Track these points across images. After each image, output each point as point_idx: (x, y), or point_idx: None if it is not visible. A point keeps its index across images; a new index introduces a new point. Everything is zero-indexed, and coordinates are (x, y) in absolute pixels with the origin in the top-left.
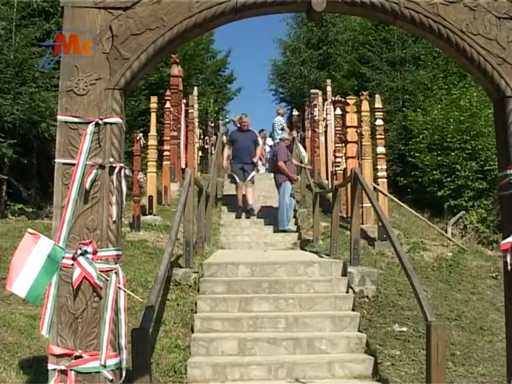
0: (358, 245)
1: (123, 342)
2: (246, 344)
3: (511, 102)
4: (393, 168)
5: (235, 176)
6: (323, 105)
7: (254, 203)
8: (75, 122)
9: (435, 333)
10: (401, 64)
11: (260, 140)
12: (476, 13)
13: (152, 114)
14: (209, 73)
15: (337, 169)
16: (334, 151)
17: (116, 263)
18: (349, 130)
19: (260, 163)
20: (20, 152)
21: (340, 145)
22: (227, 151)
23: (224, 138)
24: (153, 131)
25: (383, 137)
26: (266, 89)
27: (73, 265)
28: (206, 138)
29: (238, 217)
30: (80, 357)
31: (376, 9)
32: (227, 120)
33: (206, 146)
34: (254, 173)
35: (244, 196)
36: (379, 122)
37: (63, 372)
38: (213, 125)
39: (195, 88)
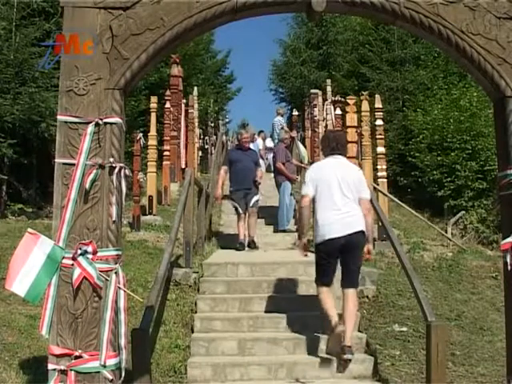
0: None
1: (123, 342)
2: (245, 344)
3: (511, 102)
4: (393, 168)
5: (237, 206)
6: (323, 105)
7: (255, 235)
8: (75, 122)
9: (435, 333)
10: (401, 64)
11: (260, 140)
12: (476, 13)
13: (152, 113)
14: (209, 73)
15: None
16: None
17: (116, 263)
18: (349, 129)
19: (261, 162)
20: (20, 152)
21: None
22: (223, 174)
23: (224, 137)
24: (153, 131)
25: (383, 137)
26: (266, 89)
27: (73, 265)
28: (206, 137)
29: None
30: (80, 357)
31: (376, 9)
32: (227, 120)
33: (206, 146)
34: (257, 197)
35: (245, 228)
36: (379, 122)
37: (63, 372)
38: (213, 125)
39: (195, 88)
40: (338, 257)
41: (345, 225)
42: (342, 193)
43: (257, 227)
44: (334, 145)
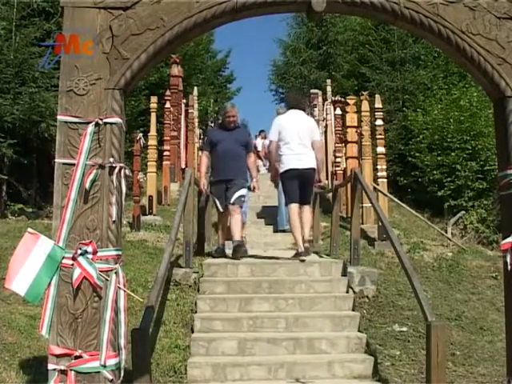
0: (358, 245)
1: (123, 342)
2: (245, 344)
3: (511, 102)
4: (393, 168)
5: (216, 202)
6: (323, 105)
7: (242, 237)
8: (75, 122)
9: (435, 333)
10: (401, 64)
11: (260, 140)
12: (476, 13)
13: (152, 113)
14: (209, 73)
15: (337, 169)
16: (334, 151)
17: (116, 263)
18: (349, 129)
19: (261, 163)
20: (20, 152)
21: (340, 145)
22: (205, 160)
23: None
24: (153, 131)
25: (383, 137)
26: (266, 89)
27: (73, 265)
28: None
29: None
30: (80, 357)
31: (376, 9)
32: None
33: None
34: (242, 191)
35: (228, 229)
36: (379, 122)
37: (63, 372)
38: (213, 125)
39: (195, 88)
40: (297, 182)
41: (299, 161)
42: (298, 137)
43: (245, 228)
44: (294, 103)
